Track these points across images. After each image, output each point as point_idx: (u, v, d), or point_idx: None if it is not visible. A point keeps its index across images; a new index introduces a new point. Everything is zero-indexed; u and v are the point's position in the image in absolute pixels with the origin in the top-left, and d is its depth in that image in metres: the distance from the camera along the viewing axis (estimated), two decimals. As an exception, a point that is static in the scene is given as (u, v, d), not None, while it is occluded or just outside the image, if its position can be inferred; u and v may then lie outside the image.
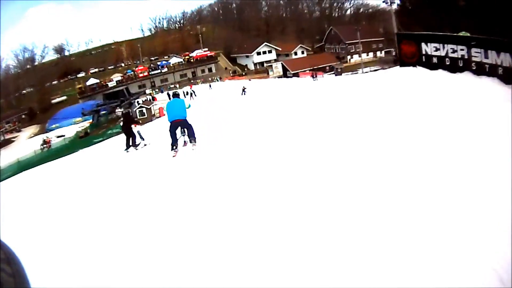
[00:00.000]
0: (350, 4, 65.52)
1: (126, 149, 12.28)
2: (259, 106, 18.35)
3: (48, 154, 28.27)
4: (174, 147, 9.10)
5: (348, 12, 66.15)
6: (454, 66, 11.42)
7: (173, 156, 9.04)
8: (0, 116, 43.50)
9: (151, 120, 34.67)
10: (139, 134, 12.76)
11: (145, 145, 12.56)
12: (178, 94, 10.06)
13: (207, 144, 9.44)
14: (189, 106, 9.73)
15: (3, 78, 49.10)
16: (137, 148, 12.25)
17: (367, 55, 54.20)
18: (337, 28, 58.63)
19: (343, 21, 63.01)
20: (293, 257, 3.53)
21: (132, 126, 12.44)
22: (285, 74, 52.01)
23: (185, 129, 9.51)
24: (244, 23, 65.42)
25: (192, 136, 9.19)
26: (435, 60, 12.50)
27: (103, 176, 9.91)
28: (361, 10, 64.86)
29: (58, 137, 36.23)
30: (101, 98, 45.23)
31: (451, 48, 11.60)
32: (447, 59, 11.85)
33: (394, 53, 46.35)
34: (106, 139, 30.36)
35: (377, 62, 50.04)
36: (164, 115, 25.91)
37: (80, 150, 25.52)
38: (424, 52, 13.10)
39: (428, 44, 12.76)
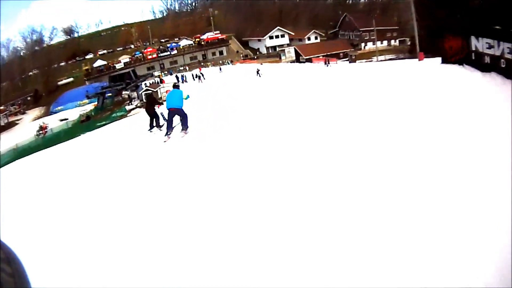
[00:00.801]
0: (364, -10, 62.94)
1: (149, 129, 12.62)
2: (271, 92, 17.42)
3: (45, 140, 26.92)
4: (168, 133, 9.97)
5: (362, 0, 63.81)
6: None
7: (164, 142, 9.81)
8: (0, 99, 42.35)
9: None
10: (162, 115, 12.87)
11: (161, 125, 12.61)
12: (178, 86, 10.56)
13: (210, 132, 9.46)
14: (187, 97, 10.42)
15: (9, 61, 48.26)
16: (161, 129, 12.44)
17: (381, 43, 52.09)
18: (351, 15, 56.96)
19: (357, 9, 61.30)
20: (292, 249, 3.63)
21: (156, 107, 12.74)
22: (297, 59, 50.31)
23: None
24: (257, 7, 63.16)
25: (184, 125, 9.98)
26: (487, 59, 9.62)
27: (99, 165, 9.93)
28: (375, -1, 62.50)
29: (62, 120, 34.72)
30: (108, 80, 43.70)
31: (507, 48, 8.68)
32: (502, 60, 8.84)
33: (408, 42, 46.79)
34: (110, 123, 29.16)
35: (391, 51, 48.95)
36: None
37: (81, 135, 24.41)
38: (474, 48, 10.30)
39: (480, 39, 9.92)
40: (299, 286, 3.07)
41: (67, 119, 34.76)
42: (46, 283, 3.64)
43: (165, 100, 10.41)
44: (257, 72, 32.89)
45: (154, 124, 12.64)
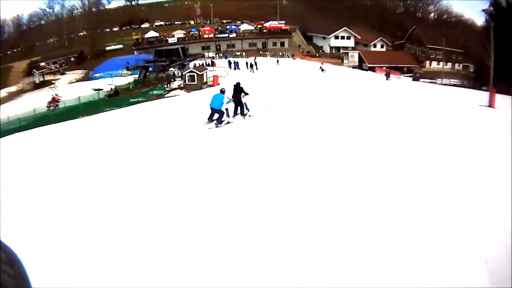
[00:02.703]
0: (434, 7, 58.30)
1: (233, 116, 13.91)
2: (330, 99, 18.16)
3: (55, 114, 23.67)
4: (208, 121, 12.86)
5: (432, 15, 59.13)
6: None
7: (204, 123, 12.89)
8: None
9: (201, 88, 29.98)
10: (246, 105, 13.98)
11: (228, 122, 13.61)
12: (224, 91, 13.01)
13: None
14: (229, 101, 13.27)
15: (60, 18, 46.73)
16: (245, 117, 13.95)
17: (446, 65, 47.29)
18: (421, 28, 52.17)
19: (426, 23, 56.47)
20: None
21: (242, 96, 13.77)
22: (360, 66, 46.37)
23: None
24: (327, 3, 58.46)
25: (218, 120, 12.94)
26: None
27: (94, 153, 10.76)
28: (445, 16, 57.33)
29: (95, 90, 31.33)
30: (154, 54, 40.82)
31: None
32: None
33: (472, 70, 44.80)
34: (144, 101, 25.88)
35: (456, 75, 43.95)
36: (218, 84, 28.04)
37: (106, 111, 21.15)
38: None
39: None
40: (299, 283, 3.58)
41: (102, 89, 31.34)
42: (47, 284, 3.62)
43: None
44: (321, 69, 34.71)
45: (238, 111, 14.00)
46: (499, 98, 18.99)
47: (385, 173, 7.24)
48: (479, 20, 33.36)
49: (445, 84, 35.66)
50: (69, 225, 5.55)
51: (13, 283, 0.84)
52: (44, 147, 12.85)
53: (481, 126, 12.37)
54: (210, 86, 30.23)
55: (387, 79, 33.85)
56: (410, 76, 43.61)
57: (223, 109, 13.11)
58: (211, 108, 12.67)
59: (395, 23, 57.17)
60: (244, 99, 13.87)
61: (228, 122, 13.46)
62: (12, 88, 37.52)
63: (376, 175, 6.98)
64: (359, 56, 48.57)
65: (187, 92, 29.53)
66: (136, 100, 25.38)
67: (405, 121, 12.69)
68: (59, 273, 4.17)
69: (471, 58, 42.79)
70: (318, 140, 10.17)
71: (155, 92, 28.64)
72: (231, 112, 13.76)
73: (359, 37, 53.56)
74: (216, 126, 12.71)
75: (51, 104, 29.44)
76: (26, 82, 39.14)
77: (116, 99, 27.06)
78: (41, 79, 39.72)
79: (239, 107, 13.91)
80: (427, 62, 50.68)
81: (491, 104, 18.13)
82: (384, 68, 42.15)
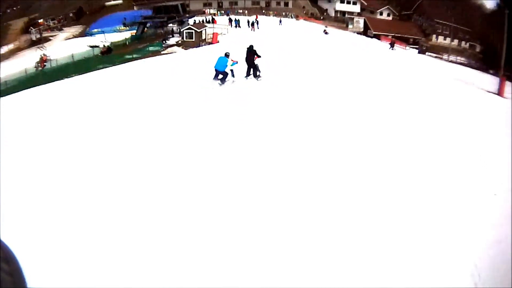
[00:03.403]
0: (445, -20, 55.43)
1: (245, 77, 14.95)
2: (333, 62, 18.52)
3: (43, 74, 23.03)
4: (214, 79, 14.20)
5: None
6: None
7: (212, 80, 14.25)
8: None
9: (199, 46, 29.30)
10: (257, 67, 14.86)
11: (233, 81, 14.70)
12: (228, 55, 14.18)
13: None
14: (233, 64, 14.38)
15: None
16: (258, 79, 14.90)
17: (452, 41, 45.25)
18: (430, 1, 49.55)
19: None
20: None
21: (254, 58, 14.57)
22: (365, 32, 45.31)
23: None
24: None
25: (222, 80, 14.25)
26: None
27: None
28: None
29: (91, 47, 30.83)
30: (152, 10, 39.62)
31: None
32: None
33: (478, 50, 43.08)
34: (139, 58, 25.31)
35: (462, 53, 42.17)
36: (218, 42, 29.02)
37: (99, 69, 20.66)
38: None
39: None
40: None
41: (97, 46, 30.69)
42: (43, 281, 3.68)
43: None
44: (325, 32, 35.20)
45: (251, 72, 14.93)
46: (509, 85, 18.82)
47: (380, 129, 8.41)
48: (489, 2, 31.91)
49: (451, 61, 35.23)
50: (62, 204, 5.64)
51: (9, 280, 0.84)
52: (26, 113, 12.54)
53: (488, 118, 11.98)
54: (209, 43, 29.72)
55: (390, 48, 34.03)
56: (415, 48, 42.49)
57: (227, 70, 14.18)
58: (216, 70, 14.02)
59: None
60: (256, 61, 14.73)
61: (233, 82, 14.56)
62: (9, 47, 36.79)
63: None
64: (365, 23, 47.16)
65: (184, 49, 28.91)
66: (131, 57, 24.72)
67: (405, 99, 12.61)
68: (54, 267, 4.19)
69: (478, 39, 41.87)
70: (317, 103, 10.99)
71: (151, 48, 28.15)
72: (239, 74, 14.73)
73: (366, 3, 51.51)
74: (221, 85, 14.11)
75: (39, 64, 28.78)
76: (23, 40, 38.37)
77: (110, 56, 26.37)
78: (38, 36, 38.91)
79: (251, 69, 14.86)
80: (434, 36, 48.32)
81: (500, 93, 18.07)
82: (390, 37, 41.48)
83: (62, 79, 18.67)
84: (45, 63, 28.92)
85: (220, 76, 14.11)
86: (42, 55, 30.59)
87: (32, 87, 17.11)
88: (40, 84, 17.51)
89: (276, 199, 5.79)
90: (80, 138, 8.81)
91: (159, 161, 7.13)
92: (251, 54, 14.57)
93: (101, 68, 21.30)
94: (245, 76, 14.94)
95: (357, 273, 4.06)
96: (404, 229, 4.96)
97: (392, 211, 5.47)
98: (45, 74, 22.22)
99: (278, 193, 5.97)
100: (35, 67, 28.21)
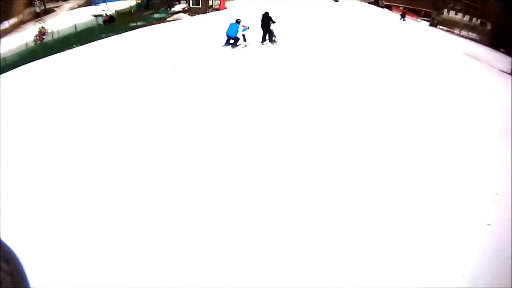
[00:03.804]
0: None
1: (261, 42, 15.61)
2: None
3: (43, 47, 22.26)
4: (225, 45, 15.09)
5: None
6: None
7: (222, 46, 15.00)
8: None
9: (206, 12, 28.27)
10: (273, 32, 15.54)
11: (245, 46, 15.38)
12: (239, 21, 14.88)
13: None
14: (244, 29, 15.07)
15: None
16: (273, 43, 15.63)
17: (463, 17, 43.25)
18: None
19: None
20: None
21: (269, 24, 15.25)
22: (376, 2, 43.40)
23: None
24: None
25: (233, 45, 15.14)
26: None
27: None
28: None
29: (95, 16, 29.69)
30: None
31: None
32: None
33: (490, 27, 40.68)
34: (143, 26, 24.52)
35: (473, 29, 39.92)
36: (225, 8, 28.51)
37: (102, 38, 19.92)
38: None
39: None
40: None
41: (102, 15, 29.73)
42: (45, 281, 3.56)
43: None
44: (335, 0, 33.65)
45: (267, 38, 15.67)
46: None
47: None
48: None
49: (462, 36, 34.06)
50: (63, 199, 5.60)
51: (9, 280, 0.82)
52: (19, 91, 12.14)
53: (503, 98, 11.45)
54: (216, 10, 28.75)
55: (401, 19, 33.42)
56: (427, 21, 40.82)
57: (239, 36, 15.11)
58: (227, 36, 15.03)
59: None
60: (272, 27, 15.58)
61: (245, 46, 15.45)
62: (10, 22, 36.26)
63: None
64: None
65: (191, 15, 27.91)
66: (135, 25, 23.84)
67: (415, 75, 12.66)
68: (55, 267, 4.10)
69: (490, 16, 39.39)
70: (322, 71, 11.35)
71: (156, 16, 27.23)
72: (251, 39, 15.56)
73: (379, -27, 50.33)
74: (233, 48, 15.10)
75: (37, 37, 27.80)
76: (26, 13, 37.78)
77: (113, 25, 25.52)
78: (42, 7, 38.21)
79: (267, 34, 15.75)
80: (445, 10, 47.03)
81: (513, 72, 17.92)
82: (401, 8, 39.97)
83: (63, 50, 17.97)
84: (43, 36, 27.99)
85: (232, 41, 15.02)
86: (41, 28, 29.62)
87: (31, 61, 16.51)
88: (40, 58, 16.88)
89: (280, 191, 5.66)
90: (76, 121, 8.62)
91: (164, 142, 7.11)
92: (267, 20, 15.34)
93: (104, 38, 20.45)
94: (261, 42, 15.80)
95: (356, 271, 4.03)
96: (403, 225, 4.91)
97: (392, 202, 5.42)
98: (45, 47, 21.39)
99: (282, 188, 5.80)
100: (34, 40, 27.35)
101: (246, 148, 6.60)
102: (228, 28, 14.92)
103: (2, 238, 0.89)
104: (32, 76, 13.68)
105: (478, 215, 5.05)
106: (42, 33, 28.32)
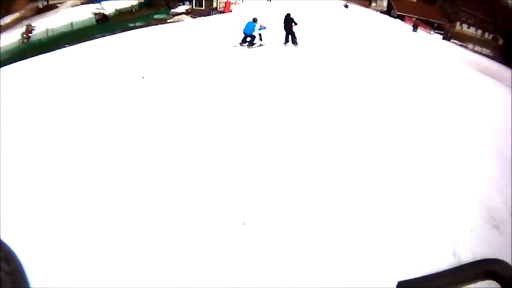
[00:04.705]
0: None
1: (284, 43, 16.19)
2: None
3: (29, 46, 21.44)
4: (241, 44, 15.49)
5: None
6: None
7: (234, 46, 15.26)
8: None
9: (209, 14, 27.32)
10: (260, 36, 15.92)
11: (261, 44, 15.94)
12: (256, 20, 15.28)
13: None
14: (260, 28, 15.46)
15: None
16: (296, 45, 16.21)
17: (476, 31, 42.21)
18: None
19: None
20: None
21: (291, 26, 15.82)
22: (388, 12, 42.54)
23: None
24: None
25: (250, 43, 15.44)
26: None
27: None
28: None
29: (95, 14, 29.07)
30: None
31: None
32: None
33: (501, 43, 39.41)
34: (141, 26, 23.62)
35: (487, 44, 38.53)
36: (230, 11, 27.24)
37: (96, 38, 19.16)
38: None
39: None
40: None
41: (96, 14, 29.03)
42: (45, 281, 3.50)
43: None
44: (345, 6, 33.03)
45: (290, 39, 16.02)
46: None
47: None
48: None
49: (475, 51, 32.87)
50: (63, 199, 5.64)
51: (10, 280, 0.81)
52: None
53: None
54: (221, 12, 27.72)
55: (413, 31, 32.62)
56: (440, 33, 39.43)
57: (255, 34, 15.64)
58: (244, 33, 15.61)
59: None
60: (294, 29, 16.02)
61: (260, 45, 15.99)
62: (11, 17, 35.86)
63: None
64: (388, 2, 43.05)
65: (193, 17, 27.06)
66: (132, 25, 22.97)
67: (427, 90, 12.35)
68: (55, 267, 4.11)
69: (503, 32, 38.22)
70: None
71: (156, 16, 26.49)
72: (266, 39, 16.00)
73: (392, -18, 49.71)
74: (249, 48, 15.64)
75: (24, 35, 26.67)
76: (29, 8, 37.48)
77: (110, 24, 24.72)
78: (45, 3, 37.84)
79: (289, 36, 16.20)
80: (457, 23, 47.11)
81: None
82: (414, 19, 38.75)
83: (52, 50, 17.17)
84: (30, 34, 26.91)
85: (248, 39, 15.60)
86: (27, 25, 28.43)
87: (18, 60, 15.75)
88: (27, 57, 16.08)
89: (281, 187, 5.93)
90: (75, 121, 8.58)
91: (164, 142, 7.23)
92: (289, 21, 15.90)
93: (98, 37, 19.65)
94: (284, 43, 16.34)
95: (355, 271, 4.11)
96: (402, 221, 5.13)
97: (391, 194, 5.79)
98: (34, 45, 20.58)
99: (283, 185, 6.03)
100: (20, 39, 26.24)
101: (246, 148, 6.82)
102: (245, 26, 15.53)
103: (2, 238, 0.86)
104: (13, 78, 12.92)
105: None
106: (28, 30, 27.36)
